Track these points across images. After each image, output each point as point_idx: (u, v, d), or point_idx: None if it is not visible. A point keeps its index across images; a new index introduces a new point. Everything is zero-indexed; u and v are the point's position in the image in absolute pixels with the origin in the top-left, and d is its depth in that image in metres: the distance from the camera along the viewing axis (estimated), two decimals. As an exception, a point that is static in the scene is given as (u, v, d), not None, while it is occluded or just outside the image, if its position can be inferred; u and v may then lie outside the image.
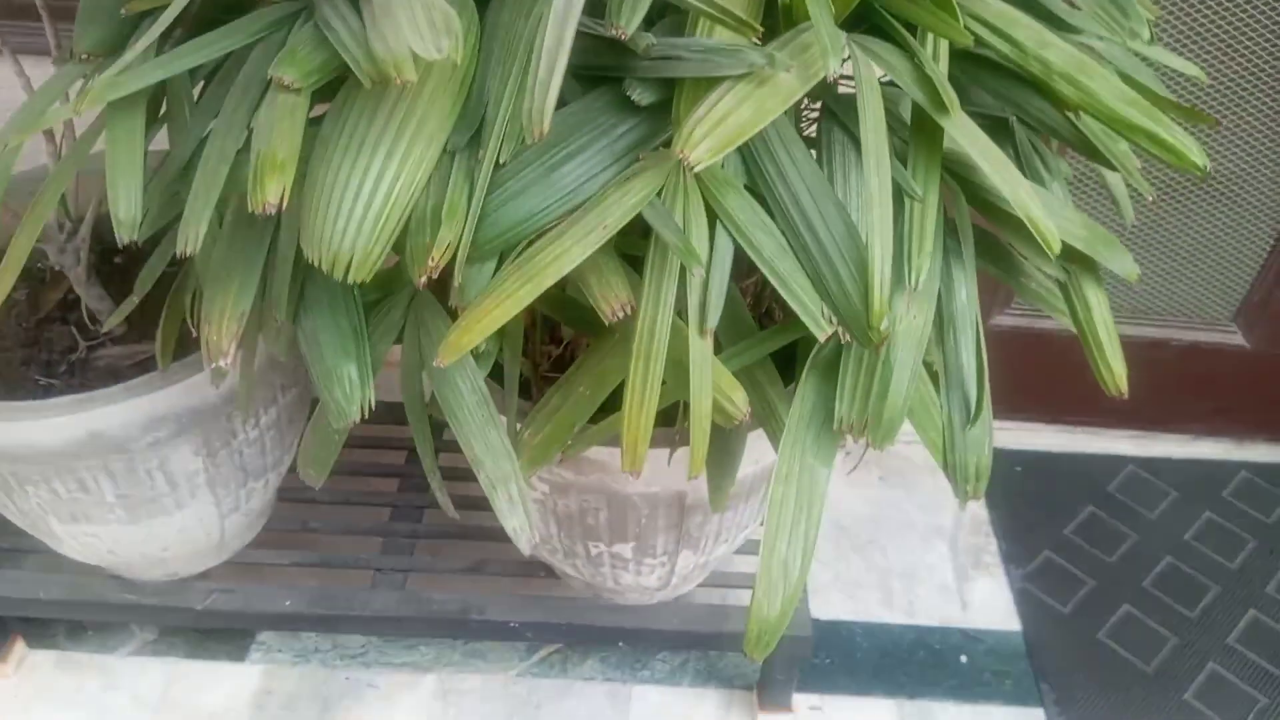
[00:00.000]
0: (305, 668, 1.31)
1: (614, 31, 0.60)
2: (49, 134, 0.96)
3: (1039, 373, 1.52)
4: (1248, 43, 1.25)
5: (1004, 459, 1.59)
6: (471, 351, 0.76)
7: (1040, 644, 1.35)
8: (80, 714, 1.25)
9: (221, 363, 0.71)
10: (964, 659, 1.34)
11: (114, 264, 1.13)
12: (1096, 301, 0.79)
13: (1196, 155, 0.70)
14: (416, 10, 0.59)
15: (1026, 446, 1.61)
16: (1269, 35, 1.24)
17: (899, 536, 1.49)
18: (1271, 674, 1.33)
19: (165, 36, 0.74)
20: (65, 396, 0.92)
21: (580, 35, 0.62)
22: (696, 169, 0.58)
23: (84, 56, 0.74)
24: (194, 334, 0.94)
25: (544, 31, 0.57)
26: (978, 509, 1.52)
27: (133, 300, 0.89)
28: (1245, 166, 1.35)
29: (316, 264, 0.61)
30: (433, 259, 0.61)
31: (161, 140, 0.79)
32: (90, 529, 1.06)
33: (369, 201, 0.61)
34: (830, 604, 1.40)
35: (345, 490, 1.33)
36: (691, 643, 1.24)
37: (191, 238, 0.64)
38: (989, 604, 1.40)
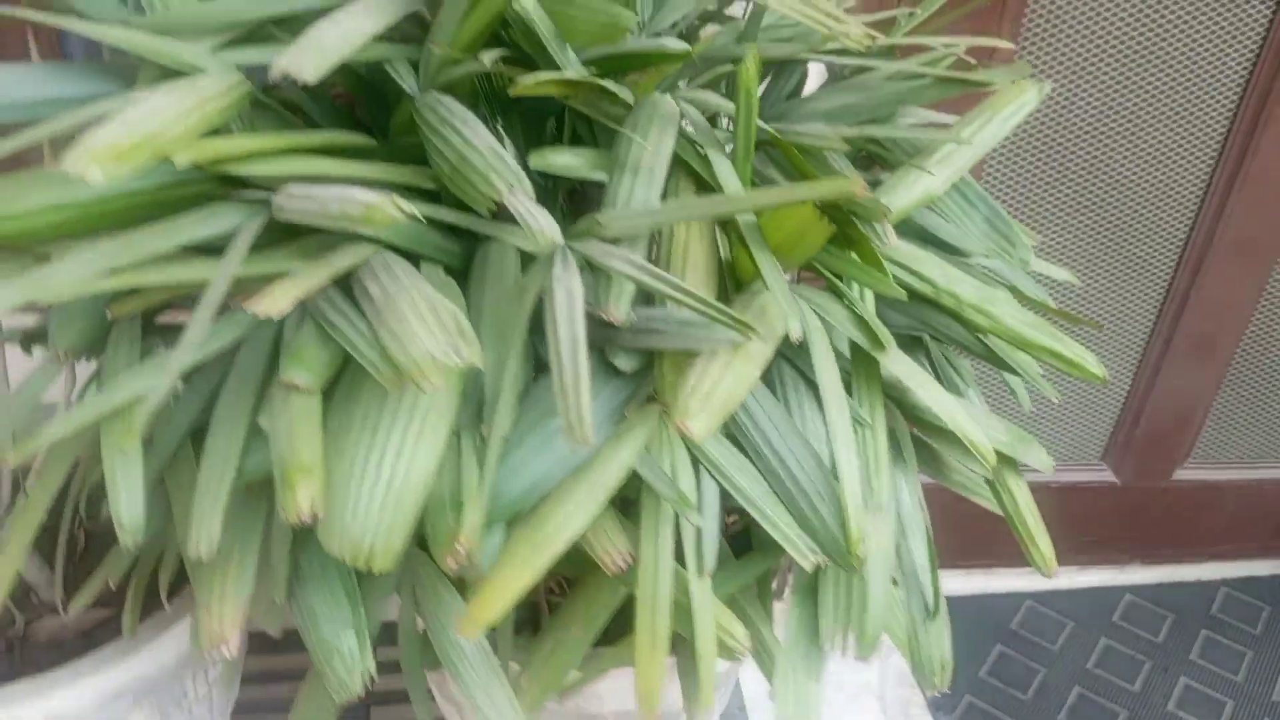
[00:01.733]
0: None
1: (604, 314, 0.67)
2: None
3: (935, 522, 1.62)
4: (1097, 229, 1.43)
5: (916, 609, 1.67)
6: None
7: (979, 791, 1.41)
8: None
9: (224, 650, 0.71)
10: (912, 817, 1.38)
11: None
12: (1020, 493, 0.88)
13: (1094, 367, 0.80)
14: (422, 309, 0.63)
15: (934, 594, 1.70)
16: (1106, 222, 1.42)
17: (829, 698, 1.54)
18: (1187, 790, 1.43)
19: (144, 330, 0.76)
20: (21, 682, 0.89)
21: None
22: (700, 440, 0.64)
23: (62, 354, 0.75)
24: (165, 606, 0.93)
25: (550, 326, 0.62)
26: (899, 661, 1.59)
27: (104, 578, 0.88)
28: (1099, 318, 1.52)
29: (339, 557, 0.63)
30: (461, 544, 0.64)
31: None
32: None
33: (386, 491, 0.63)
34: (778, 777, 1.42)
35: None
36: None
37: (205, 539, 0.66)
38: (925, 756, 1.46)
